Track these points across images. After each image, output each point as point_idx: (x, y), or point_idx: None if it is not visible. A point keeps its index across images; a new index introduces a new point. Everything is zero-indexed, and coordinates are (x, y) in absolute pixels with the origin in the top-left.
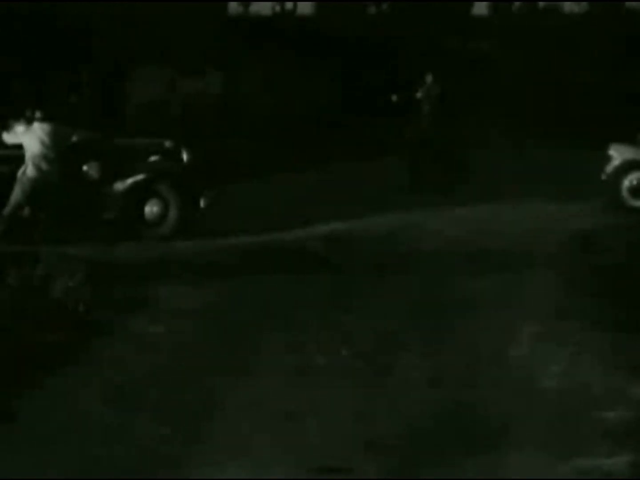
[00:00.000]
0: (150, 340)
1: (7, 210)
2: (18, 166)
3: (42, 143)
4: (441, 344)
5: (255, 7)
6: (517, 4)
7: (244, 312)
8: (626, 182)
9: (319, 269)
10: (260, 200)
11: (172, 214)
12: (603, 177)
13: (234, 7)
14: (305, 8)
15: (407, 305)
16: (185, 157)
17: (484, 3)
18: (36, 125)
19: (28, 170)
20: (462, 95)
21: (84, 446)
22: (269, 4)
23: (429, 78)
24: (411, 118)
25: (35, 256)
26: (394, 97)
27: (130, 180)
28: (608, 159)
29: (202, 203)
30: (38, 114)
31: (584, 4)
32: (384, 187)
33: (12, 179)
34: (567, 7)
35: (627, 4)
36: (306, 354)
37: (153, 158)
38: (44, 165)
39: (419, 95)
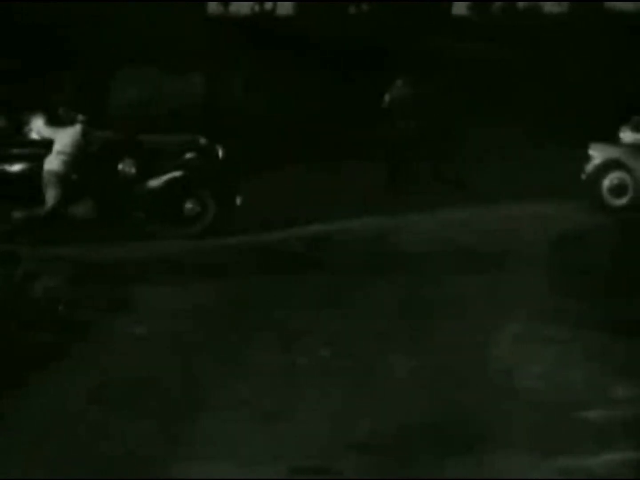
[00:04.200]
0: (133, 341)
1: (47, 208)
2: (38, 164)
3: (76, 143)
4: (426, 344)
5: (234, 7)
6: (497, 4)
7: (229, 312)
8: (606, 182)
9: (303, 269)
10: (244, 201)
11: (210, 212)
12: (583, 176)
13: (213, 7)
14: (284, 8)
15: (393, 305)
16: (220, 154)
17: (464, 3)
18: (77, 125)
19: (55, 166)
20: (444, 95)
21: (68, 446)
22: (248, 3)
23: (398, 82)
24: (387, 120)
25: (18, 256)
26: (387, 97)
27: (165, 178)
28: (588, 158)
29: (237, 201)
30: (80, 117)
31: (565, 4)
32: (368, 187)
33: (34, 176)
34: (547, 7)
35: (607, 4)
36: (291, 354)
37: (189, 155)
38: (70, 163)
39: (386, 98)
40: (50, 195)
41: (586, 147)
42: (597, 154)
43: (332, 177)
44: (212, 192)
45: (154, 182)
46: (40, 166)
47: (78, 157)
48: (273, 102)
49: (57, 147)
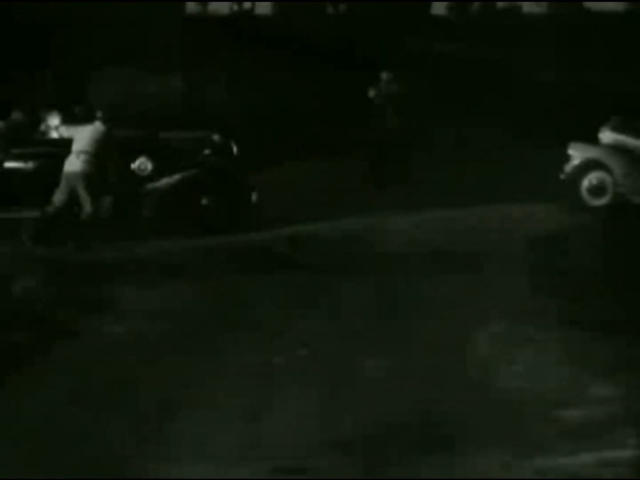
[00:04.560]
0: (111, 341)
1: (87, 210)
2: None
3: (96, 141)
4: (404, 344)
5: (213, 7)
6: (475, 4)
7: (207, 312)
8: (585, 182)
9: (283, 269)
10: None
11: (226, 210)
12: (562, 176)
13: (191, 7)
14: (263, 8)
15: (371, 305)
16: (234, 151)
17: (443, 3)
18: (96, 123)
19: (77, 167)
20: (423, 94)
21: (46, 446)
22: (227, 3)
23: (384, 76)
24: (371, 117)
25: None
26: (371, 93)
27: (182, 176)
28: (567, 158)
29: (253, 197)
30: (100, 114)
31: (543, 4)
32: (351, 186)
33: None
34: (526, 7)
35: (586, 3)
36: (268, 354)
37: (205, 153)
38: (91, 162)
39: (371, 94)
40: (84, 196)
41: (565, 147)
42: (577, 154)
43: (316, 176)
44: (229, 190)
45: (170, 180)
46: (55, 165)
47: (98, 156)
48: (252, 101)
49: (77, 146)
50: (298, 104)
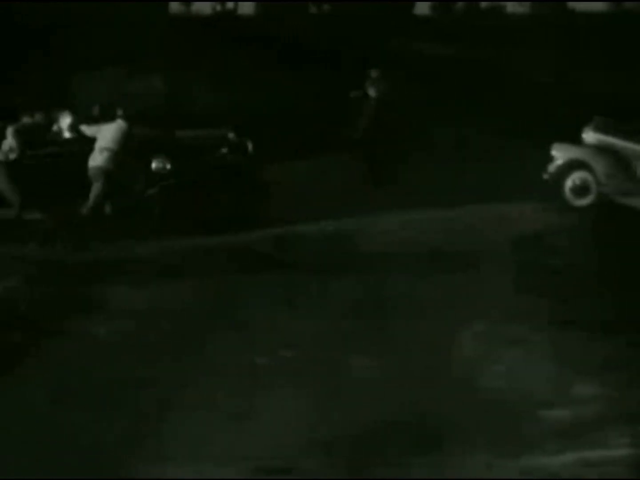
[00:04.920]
0: (97, 341)
1: (90, 205)
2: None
3: (118, 139)
4: (389, 344)
5: (196, 7)
6: (459, 4)
7: (192, 313)
8: (569, 182)
9: (268, 269)
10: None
11: (246, 207)
12: (545, 176)
13: (175, 7)
14: (246, 8)
15: (356, 305)
16: (250, 148)
17: (427, 3)
18: (118, 120)
19: (100, 162)
20: (408, 94)
21: (32, 446)
22: (209, 3)
23: (373, 73)
24: (360, 115)
25: None
26: (354, 94)
27: (201, 175)
28: (550, 158)
29: (268, 194)
30: (120, 112)
31: (527, 4)
32: (339, 185)
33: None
34: (510, 7)
35: (570, 4)
36: (253, 355)
37: (223, 151)
38: (114, 159)
39: (354, 94)
40: (95, 192)
41: (548, 147)
42: (560, 154)
43: (302, 175)
44: (247, 187)
45: (188, 178)
46: (78, 164)
47: (120, 153)
48: (236, 101)
49: (100, 143)
50: (282, 103)
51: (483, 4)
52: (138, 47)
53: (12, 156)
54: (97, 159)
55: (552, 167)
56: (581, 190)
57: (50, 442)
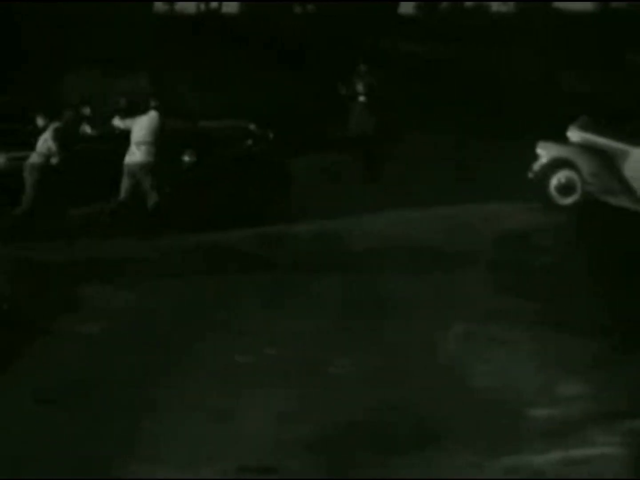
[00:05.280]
0: (80, 341)
1: (153, 199)
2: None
3: (153, 131)
4: (373, 343)
5: (180, 6)
6: (444, 3)
7: (175, 311)
8: (554, 181)
9: (253, 268)
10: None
11: (272, 198)
12: (530, 175)
13: (159, 6)
14: (230, 7)
15: (340, 304)
16: (271, 139)
17: (411, 3)
18: (151, 113)
19: (139, 157)
20: (392, 94)
21: (15, 445)
22: (194, 2)
23: (361, 68)
24: (350, 113)
25: None
26: (342, 90)
27: (228, 166)
28: (535, 157)
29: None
30: (153, 103)
31: (511, 3)
32: (328, 184)
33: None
34: (495, 6)
35: (555, 3)
36: (237, 354)
37: (247, 142)
38: (152, 153)
39: (342, 89)
40: (148, 187)
41: (533, 146)
42: (545, 153)
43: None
44: (273, 178)
45: (215, 170)
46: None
47: (157, 146)
48: (220, 100)
49: (136, 137)
50: (266, 101)
51: (468, 3)
52: (122, 47)
53: (54, 160)
54: (135, 154)
55: (537, 166)
56: (566, 189)
57: (35, 441)
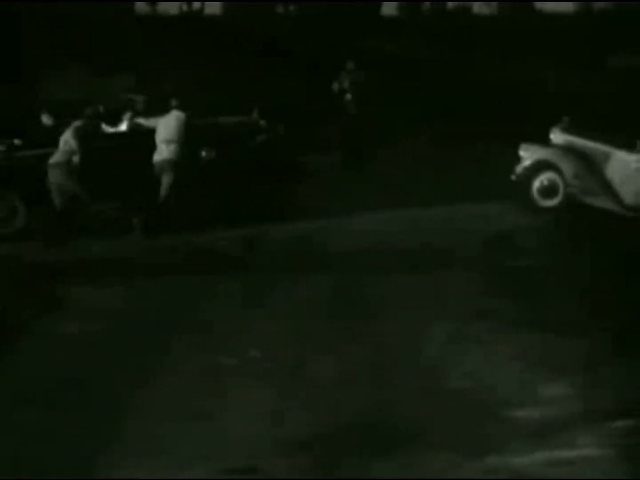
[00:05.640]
0: (63, 341)
1: (163, 195)
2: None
3: (179, 129)
4: (354, 344)
5: (162, 7)
6: (426, 4)
7: (157, 312)
8: (536, 183)
9: (233, 269)
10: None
11: (288, 192)
12: (513, 177)
13: (141, 7)
14: (212, 8)
15: (323, 305)
16: (282, 133)
17: (394, 3)
18: (175, 111)
19: (167, 155)
20: (375, 95)
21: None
22: (176, 3)
23: (349, 65)
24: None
25: None
26: (335, 86)
27: (246, 162)
28: (518, 159)
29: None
30: (174, 102)
31: (494, 4)
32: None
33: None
34: (477, 7)
35: (537, 5)
36: (218, 355)
37: (260, 138)
38: (179, 150)
39: (335, 86)
40: (166, 184)
41: (516, 148)
42: (528, 155)
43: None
44: (288, 172)
45: (234, 166)
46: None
47: (182, 144)
48: (202, 101)
49: (163, 135)
50: (245, 102)
51: (449, 5)
52: (103, 47)
53: (76, 158)
54: (163, 152)
55: (519, 168)
56: (549, 191)
57: (14, 442)
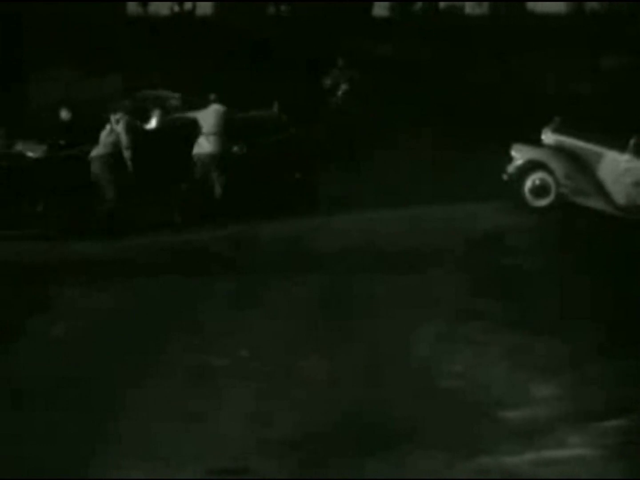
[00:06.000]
0: (49, 341)
1: (219, 190)
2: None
3: (220, 122)
4: (344, 344)
5: (153, 7)
6: (418, 4)
7: (146, 313)
8: (528, 183)
9: (222, 269)
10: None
11: (311, 183)
12: (505, 177)
13: (132, 7)
14: (204, 8)
15: (312, 305)
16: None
17: (385, 4)
18: (215, 105)
19: (208, 148)
20: (368, 93)
21: None
22: (167, 3)
23: (339, 62)
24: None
25: None
26: (327, 82)
27: (273, 157)
28: (510, 159)
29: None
30: (212, 96)
31: (485, 4)
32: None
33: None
34: (468, 8)
35: (529, 4)
36: (206, 355)
37: (283, 133)
38: (213, 141)
39: (327, 83)
40: (220, 182)
41: (508, 147)
42: (519, 155)
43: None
44: (309, 164)
45: (260, 161)
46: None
47: (223, 137)
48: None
49: (204, 129)
50: (237, 102)
51: (441, 5)
52: (94, 48)
53: (127, 153)
54: (204, 146)
55: (511, 168)
56: (540, 190)
57: (8, 442)
